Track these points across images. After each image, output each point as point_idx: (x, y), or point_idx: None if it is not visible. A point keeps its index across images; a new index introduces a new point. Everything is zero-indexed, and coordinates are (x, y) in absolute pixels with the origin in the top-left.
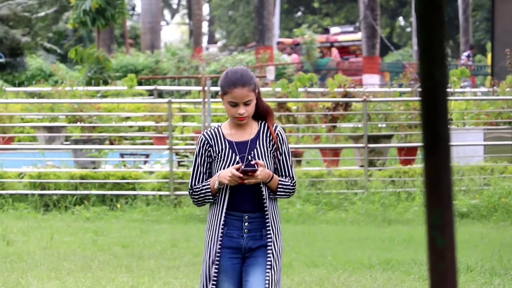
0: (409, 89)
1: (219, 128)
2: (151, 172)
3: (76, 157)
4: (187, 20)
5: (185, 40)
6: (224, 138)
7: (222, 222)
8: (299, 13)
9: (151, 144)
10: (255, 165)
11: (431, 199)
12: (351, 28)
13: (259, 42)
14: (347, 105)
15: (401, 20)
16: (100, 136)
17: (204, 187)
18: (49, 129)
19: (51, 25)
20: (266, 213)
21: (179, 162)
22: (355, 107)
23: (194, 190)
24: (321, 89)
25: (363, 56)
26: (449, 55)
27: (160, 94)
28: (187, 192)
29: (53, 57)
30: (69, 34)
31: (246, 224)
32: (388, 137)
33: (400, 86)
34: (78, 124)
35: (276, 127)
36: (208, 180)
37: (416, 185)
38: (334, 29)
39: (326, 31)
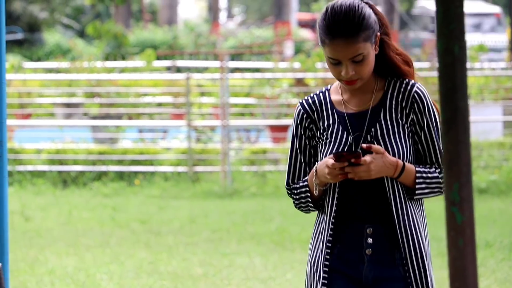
0: (427, 64)
1: (326, 92)
2: (169, 148)
3: (94, 133)
4: None
5: (203, 15)
6: (333, 107)
7: (328, 238)
8: None
9: (169, 119)
10: (368, 149)
11: (450, 175)
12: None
13: (277, 17)
14: None
15: None
16: (118, 112)
17: (303, 188)
18: (67, 105)
19: (69, 1)
20: (396, 223)
21: (197, 138)
22: None
23: (292, 190)
24: None
25: None
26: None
27: (178, 70)
28: (205, 168)
29: (70, 33)
30: (87, 9)
31: (368, 241)
32: None
33: (418, 61)
34: (96, 100)
35: (413, 85)
36: (307, 177)
37: None
38: None
39: None
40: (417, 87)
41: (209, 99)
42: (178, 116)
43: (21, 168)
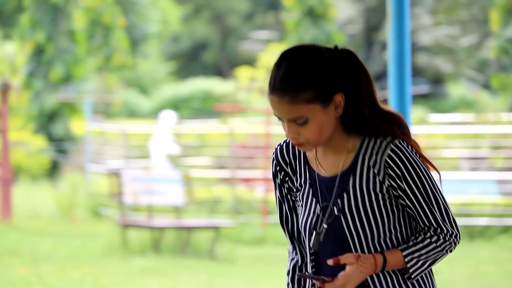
0: None
1: None
2: None
3: (500, 186)
4: None
5: None
6: (306, 164)
7: None
8: None
9: None
10: (337, 264)
11: None
12: None
13: None
14: None
15: None
16: None
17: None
18: (472, 158)
19: (474, 53)
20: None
21: None
22: None
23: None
24: None
25: None
26: None
27: None
28: None
29: (475, 85)
30: (492, 62)
31: None
32: None
33: None
34: (502, 152)
35: (387, 145)
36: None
37: None
38: None
39: None
40: (392, 148)
41: None
42: None
43: None
